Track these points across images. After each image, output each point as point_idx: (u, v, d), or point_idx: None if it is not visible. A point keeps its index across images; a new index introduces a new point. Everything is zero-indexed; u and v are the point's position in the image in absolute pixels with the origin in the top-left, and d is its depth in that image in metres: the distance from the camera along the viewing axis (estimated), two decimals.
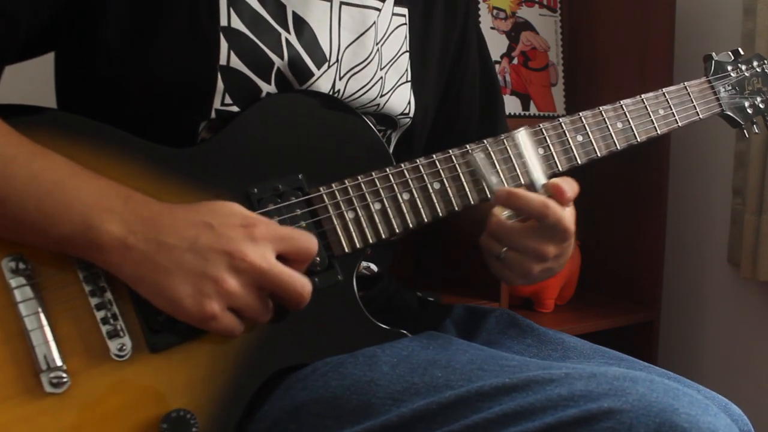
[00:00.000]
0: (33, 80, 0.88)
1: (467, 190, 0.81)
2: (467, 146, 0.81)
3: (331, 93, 0.81)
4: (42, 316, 0.65)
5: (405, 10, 0.89)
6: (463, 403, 0.63)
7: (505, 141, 0.81)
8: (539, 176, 0.79)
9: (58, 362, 0.64)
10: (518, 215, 0.78)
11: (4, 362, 0.64)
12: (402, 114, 0.89)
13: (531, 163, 0.80)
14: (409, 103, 0.89)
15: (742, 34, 1.56)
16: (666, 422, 0.56)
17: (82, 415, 0.65)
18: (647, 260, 1.72)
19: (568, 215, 0.76)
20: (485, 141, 0.81)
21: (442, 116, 0.98)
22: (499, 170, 0.81)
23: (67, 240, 0.65)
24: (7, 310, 0.65)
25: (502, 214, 0.78)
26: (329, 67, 0.81)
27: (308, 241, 0.68)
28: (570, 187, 0.76)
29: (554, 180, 0.77)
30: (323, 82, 0.81)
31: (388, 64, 0.87)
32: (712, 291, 1.75)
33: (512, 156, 0.81)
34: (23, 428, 0.63)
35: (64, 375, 0.64)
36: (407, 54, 0.89)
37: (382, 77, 0.86)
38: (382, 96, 0.86)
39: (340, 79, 0.82)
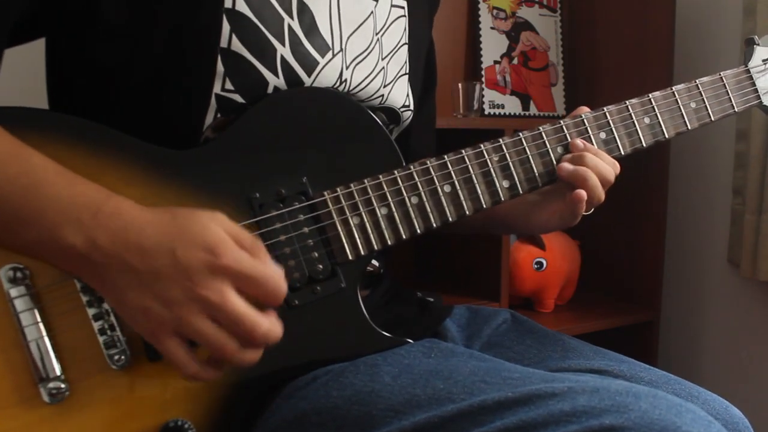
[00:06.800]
0: (26, 80, 0.85)
1: (479, 192, 0.77)
2: (481, 145, 0.78)
3: (338, 83, 0.79)
4: (41, 326, 0.64)
5: (404, 2, 0.88)
6: (464, 416, 0.62)
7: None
8: None
9: (57, 372, 0.64)
10: None
11: (3, 371, 0.63)
12: (404, 106, 0.87)
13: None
14: (407, 95, 0.88)
15: (742, 34, 1.56)
16: None
17: (80, 424, 0.65)
18: (647, 260, 1.72)
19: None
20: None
21: None
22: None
23: (36, 245, 0.64)
24: (5, 319, 0.64)
25: None
26: (334, 56, 0.79)
27: (275, 290, 0.63)
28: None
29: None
30: (329, 71, 0.79)
31: (389, 54, 0.85)
32: (712, 291, 1.75)
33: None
34: None
35: (63, 385, 0.64)
36: (406, 46, 0.88)
37: (384, 68, 0.84)
38: (384, 86, 0.84)
39: (347, 68, 0.80)
